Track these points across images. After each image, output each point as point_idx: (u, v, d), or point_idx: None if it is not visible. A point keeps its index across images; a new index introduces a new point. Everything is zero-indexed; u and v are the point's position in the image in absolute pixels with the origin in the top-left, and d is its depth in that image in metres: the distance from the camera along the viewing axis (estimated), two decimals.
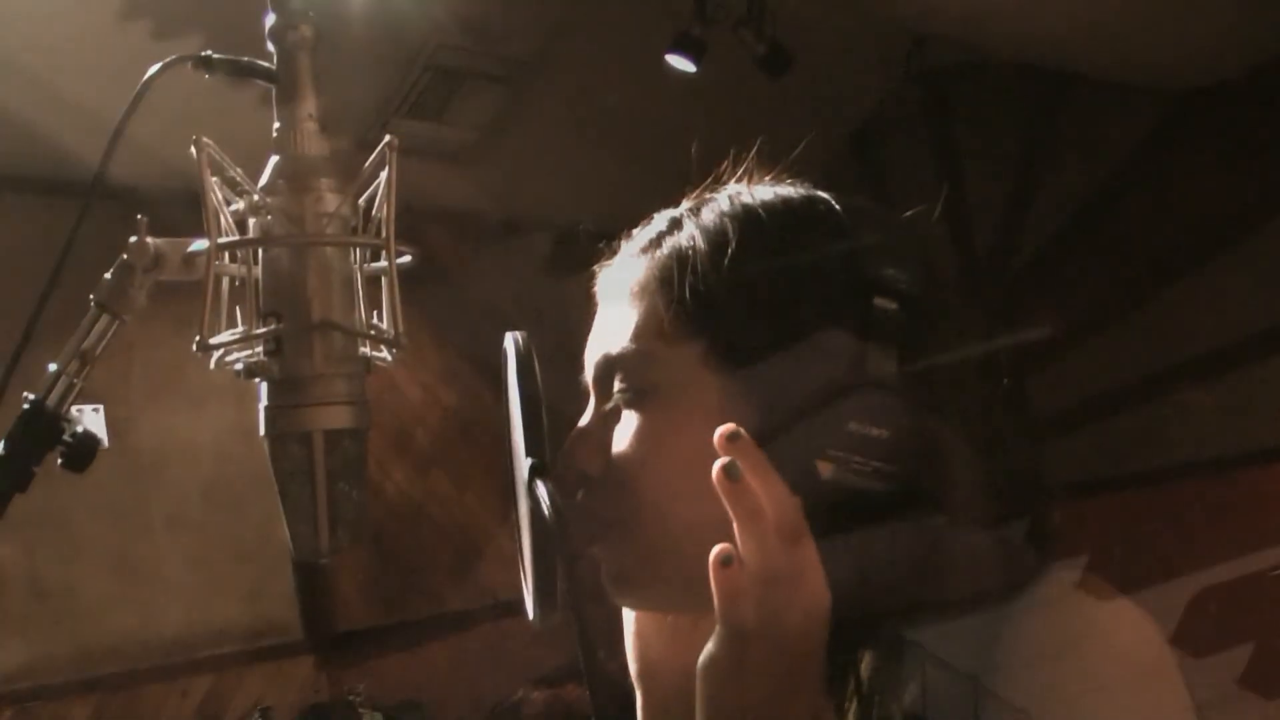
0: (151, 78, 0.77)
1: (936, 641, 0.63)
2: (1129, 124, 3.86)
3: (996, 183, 4.14)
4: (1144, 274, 3.83)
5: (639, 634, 0.76)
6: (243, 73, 0.77)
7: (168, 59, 0.77)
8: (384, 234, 0.74)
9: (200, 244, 0.77)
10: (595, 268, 0.76)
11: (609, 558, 0.70)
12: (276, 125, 0.75)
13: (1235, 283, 3.63)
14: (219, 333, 0.75)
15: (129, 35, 2.61)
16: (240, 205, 0.75)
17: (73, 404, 0.79)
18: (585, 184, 3.73)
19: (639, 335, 0.69)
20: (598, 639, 0.58)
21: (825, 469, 0.60)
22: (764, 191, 0.71)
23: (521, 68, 3.38)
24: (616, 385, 0.69)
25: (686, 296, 0.67)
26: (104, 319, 0.79)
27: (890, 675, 0.64)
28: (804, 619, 0.57)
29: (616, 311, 0.71)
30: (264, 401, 0.73)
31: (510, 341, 0.67)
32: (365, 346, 0.75)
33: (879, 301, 0.63)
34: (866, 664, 0.65)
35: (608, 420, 0.70)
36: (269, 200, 0.73)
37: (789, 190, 0.71)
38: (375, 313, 0.77)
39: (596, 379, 0.72)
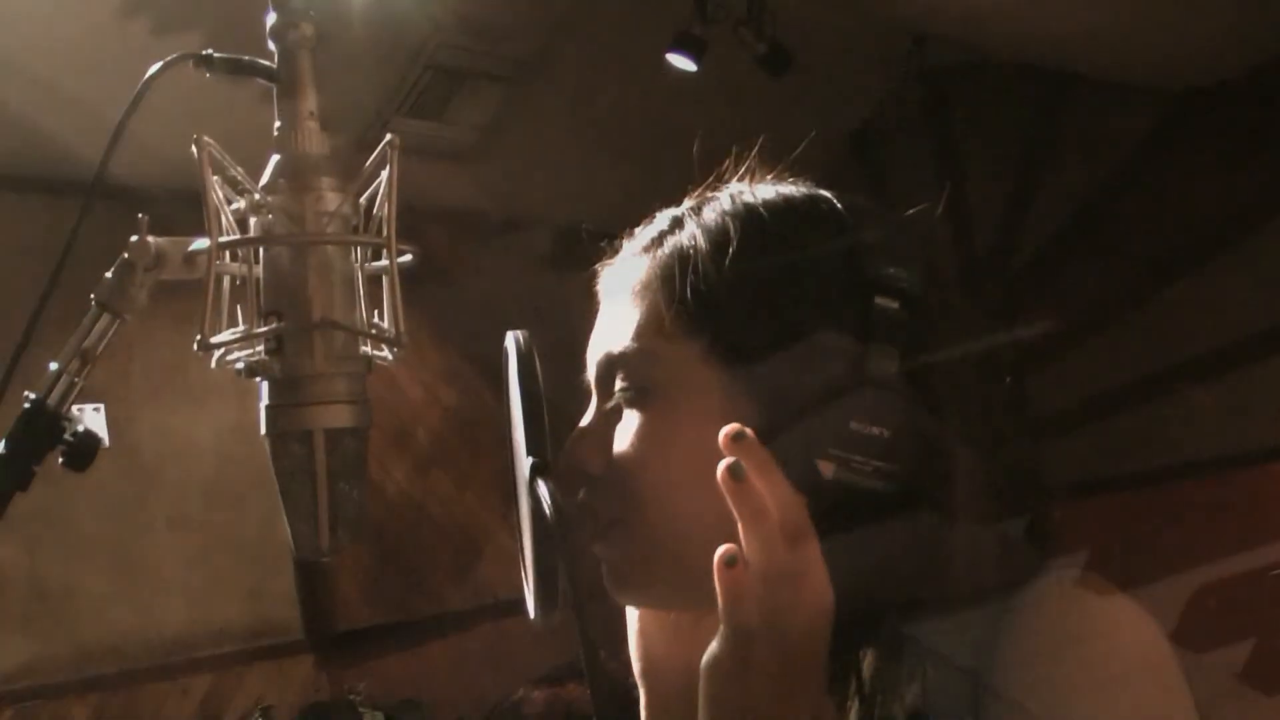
0: (152, 77, 0.77)
1: (937, 639, 0.63)
2: (1129, 124, 3.86)
3: (996, 183, 4.14)
4: (1144, 274, 3.83)
5: (642, 632, 0.76)
6: (243, 71, 0.77)
7: (168, 58, 0.77)
8: (385, 233, 0.74)
9: (201, 243, 0.77)
10: (597, 266, 0.76)
11: (610, 556, 0.70)
12: (277, 124, 0.75)
13: (1235, 283, 3.63)
14: (220, 332, 0.75)
15: (129, 33, 2.61)
16: (241, 204, 0.75)
17: (73, 403, 0.78)
18: (585, 183, 3.73)
19: (640, 334, 0.69)
20: (599, 638, 0.58)
21: (826, 468, 0.60)
22: (766, 190, 0.71)
23: (522, 67, 3.38)
24: (618, 384, 0.70)
25: (688, 295, 0.67)
26: (105, 318, 0.78)
27: (891, 674, 0.64)
28: (808, 619, 0.57)
29: (618, 310, 0.71)
30: (265, 400, 0.73)
31: (511, 340, 0.67)
32: (366, 345, 0.75)
33: (880, 301, 0.64)
34: (868, 663, 0.65)
35: (609, 419, 0.70)
36: (270, 199, 0.73)
37: (791, 189, 0.72)
38: (376, 312, 0.77)
39: (598, 378, 0.72)
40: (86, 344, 0.78)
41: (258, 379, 0.73)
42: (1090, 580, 0.64)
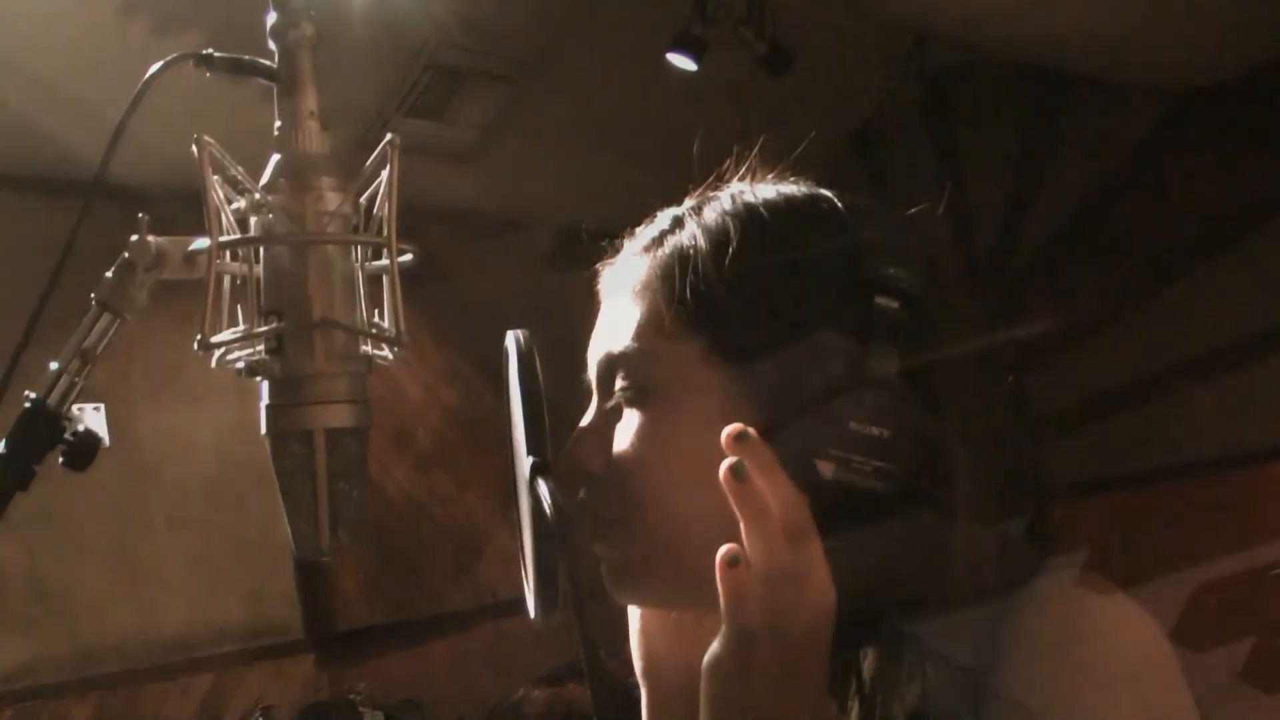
0: (152, 77, 0.77)
1: (937, 639, 0.63)
2: (1129, 124, 3.86)
3: (996, 183, 4.14)
4: (1144, 274, 3.83)
5: (643, 631, 0.76)
6: (244, 71, 0.77)
7: (169, 57, 0.77)
8: (385, 232, 0.74)
9: (201, 242, 0.77)
10: (599, 266, 0.76)
11: (610, 556, 0.70)
12: (277, 124, 0.75)
13: (1235, 283, 3.63)
14: (220, 331, 0.75)
15: (130, 33, 2.61)
16: (241, 203, 0.75)
17: (74, 403, 0.78)
18: (586, 183, 3.73)
19: (641, 333, 0.69)
20: (599, 638, 0.58)
21: (826, 468, 0.60)
22: (766, 190, 0.71)
23: (522, 67, 3.38)
24: (618, 383, 0.70)
25: (688, 295, 0.67)
26: (105, 317, 0.78)
27: (892, 674, 0.64)
28: (810, 619, 0.57)
29: (619, 310, 0.71)
30: (265, 400, 0.73)
31: (511, 340, 0.67)
32: (366, 345, 0.75)
33: (880, 300, 0.64)
34: (868, 663, 0.65)
35: (610, 418, 0.70)
36: (270, 198, 0.73)
37: (792, 188, 0.72)
38: (376, 311, 0.77)
39: (599, 377, 0.72)
40: (87, 344, 0.78)
41: (258, 378, 0.73)
42: (1090, 580, 0.64)
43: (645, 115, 3.51)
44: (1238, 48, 3.27)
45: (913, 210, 0.72)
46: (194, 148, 0.72)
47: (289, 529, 0.73)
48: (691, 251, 0.68)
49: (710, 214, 0.70)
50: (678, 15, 3.18)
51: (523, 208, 3.93)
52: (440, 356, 3.86)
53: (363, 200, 0.76)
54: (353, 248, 0.76)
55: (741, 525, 0.58)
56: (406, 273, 0.75)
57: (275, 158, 0.75)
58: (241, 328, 0.74)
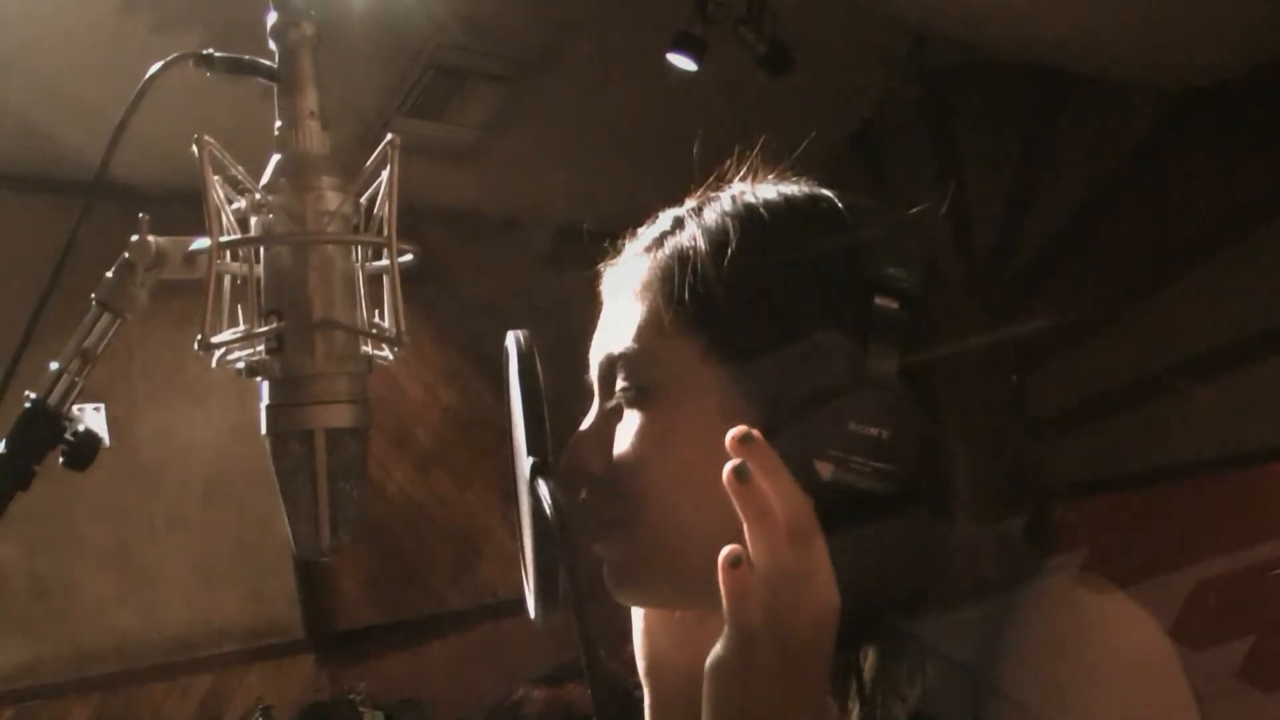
0: (153, 77, 0.77)
1: (938, 639, 0.63)
2: (1129, 124, 3.86)
3: (996, 183, 4.14)
4: (1144, 274, 3.83)
5: (646, 632, 0.76)
6: (244, 71, 0.77)
7: (169, 57, 0.77)
8: (386, 232, 0.74)
9: (202, 242, 0.76)
10: (600, 267, 0.76)
11: (611, 556, 0.70)
12: (278, 123, 0.75)
13: (1235, 283, 3.63)
14: (220, 331, 0.75)
15: (130, 32, 2.61)
16: (242, 203, 0.75)
17: (74, 403, 0.78)
18: (586, 183, 3.73)
19: (641, 334, 0.69)
20: (599, 638, 0.58)
21: (825, 469, 0.60)
22: (767, 190, 0.71)
23: (523, 67, 3.38)
24: (619, 384, 0.70)
25: (687, 296, 0.67)
26: (105, 317, 0.78)
27: (892, 674, 0.64)
28: (813, 621, 0.57)
29: (620, 310, 0.71)
30: (265, 400, 0.73)
31: (512, 340, 0.67)
32: (367, 345, 0.75)
33: (880, 301, 0.63)
34: (869, 663, 0.65)
35: (610, 419, 0.70)
36: (270, 198, 0.73)
37: (792, 189, 0.72)
38: (377, 311, 0.77)
39: (600, 377, 0.72)
40: (87, 344, 0.78)
41: (258, 379, 0.73)
42: (1090, 579, 0.64)
43: (645, 115, 3.51)
44: (1238, 48, 3.27)
45: (913, 210, 0.72)
46: (194, 148, 0.72)
47: (289, 529, 0.72)
48: (691, 252, 0.68)
49: (710, 215, 0.70)
50: (678, 15, 3.18)
51: (523, 208, 3.93)
52: (440, 356, 3.86)
53: (363, 200, 0.76)
54: (353, 248, 0.75)
55: (745, 527, 0.58)
56: (407, 273, 0.75)
57: (276, 157, 0.75)
58: (242, 328, 0.74)
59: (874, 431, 0.61)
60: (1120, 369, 3.86)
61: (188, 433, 3.25)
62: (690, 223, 0.71)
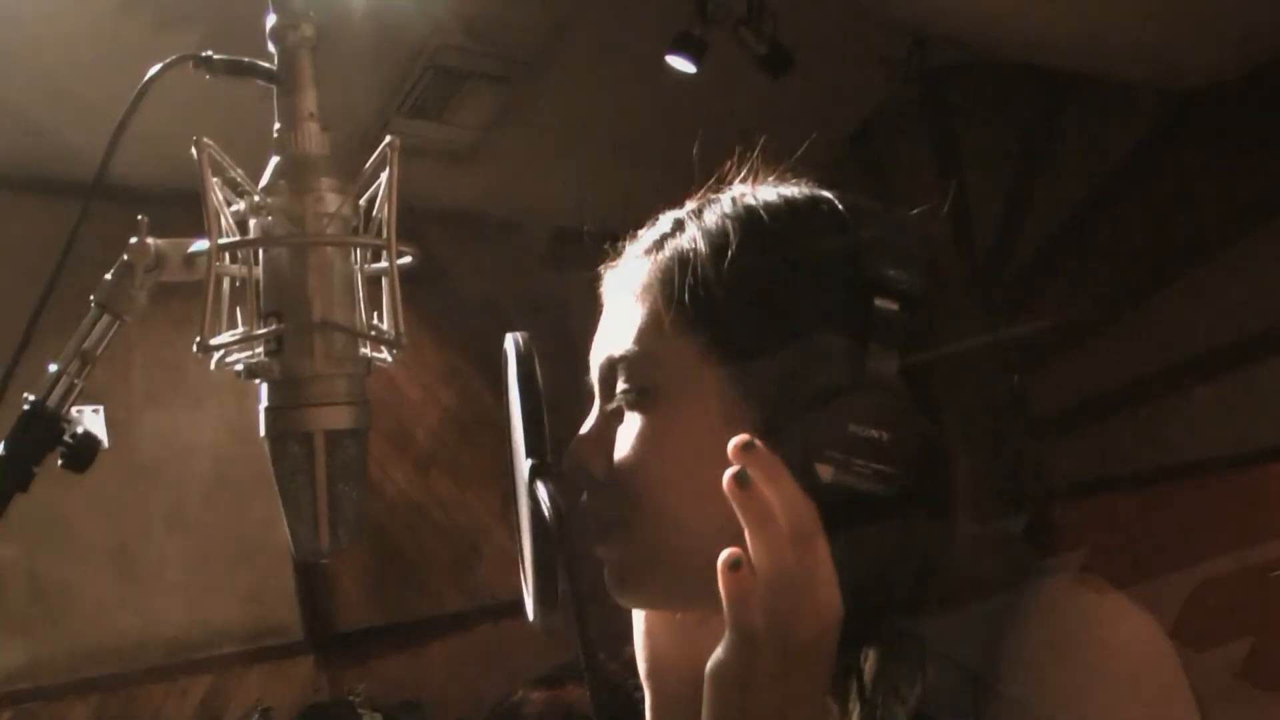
0: (152, 78, 0.77)
1: (938, 639, 0.63)
2: (1129, 124, 3.86)
3: (996, 183, 4.14)
4: (1144, 274, 3.83)
5: (648, 633, 0.76)
6: (243, 72, 0.77)
7: (168, 59, 0.77)
8: (385, 234, 0.73)
9: (201, 244, 0.76)
10: (601, 269, 0.76)
11: (612, 558, 0.70)
12: (277, 125, 0.75)
13: (1235, 283, 3.63)
14: (220, 333, 0.75)
15: (130, 31, 2.61)
16: (241, 205, 0.75)
17: (73, 404, 0.78)
18: (585, 184, 3.73)
19: (642, 336, 0.69)
20: (598, 639, 0.58)
21: (826, 471, 0.60)
22: (767, 192, 0.71)
23: (522, 68, 3.38)
24: (619, 386, 0.70)
25: (688, 298, 0.67)
26: (104, 319, 0.78)
27: (893, 675, 0.64)
28: (815, 625, 0.57)
29: (620, 312, 0.71)
30: (264, 402, 0.73)
31: (511, 342, 0.67)
32: (366, 347, 0.75)
33: (880, 302, 0.63)
34: (870, 664, 0.65)
35: (611, 421, 0.70)
36: (269, 200, 0.73)
37: (792, 190, 0.71)
38: (376, 313, 0.77)
39: (600, 379, 0.72)
40: (86, 345, 0.78)
41: (257, 380, 0.73)
42: (1091, 580, 0.64)
43: (645, 116, 3.51)
44: (1238, 48, 3.27)
45: (913, 211, 0.72)
46: (193, 150, 0.72)
47: (288, 530, 0.72)
48: (692, 254, 0.68)
49: (710, 216, 0.70)
50: (677, 16, 3.18)
51: (522, 209, 3.93)
52: (439, 358, 3.86)
53: (362, 202, 0.76)
54: (352, 249, 0.75)
55: (746, 532, 0.58)
56: (406, 274, 0.75)
57: (275, 159, 0.75)
58: (241, 330, 0.74)
59: (874, 433, 0.61)
60: (1120, 369, 3.86)
61: (187, 434, 3.25)
62: (690, 224, 0.70)
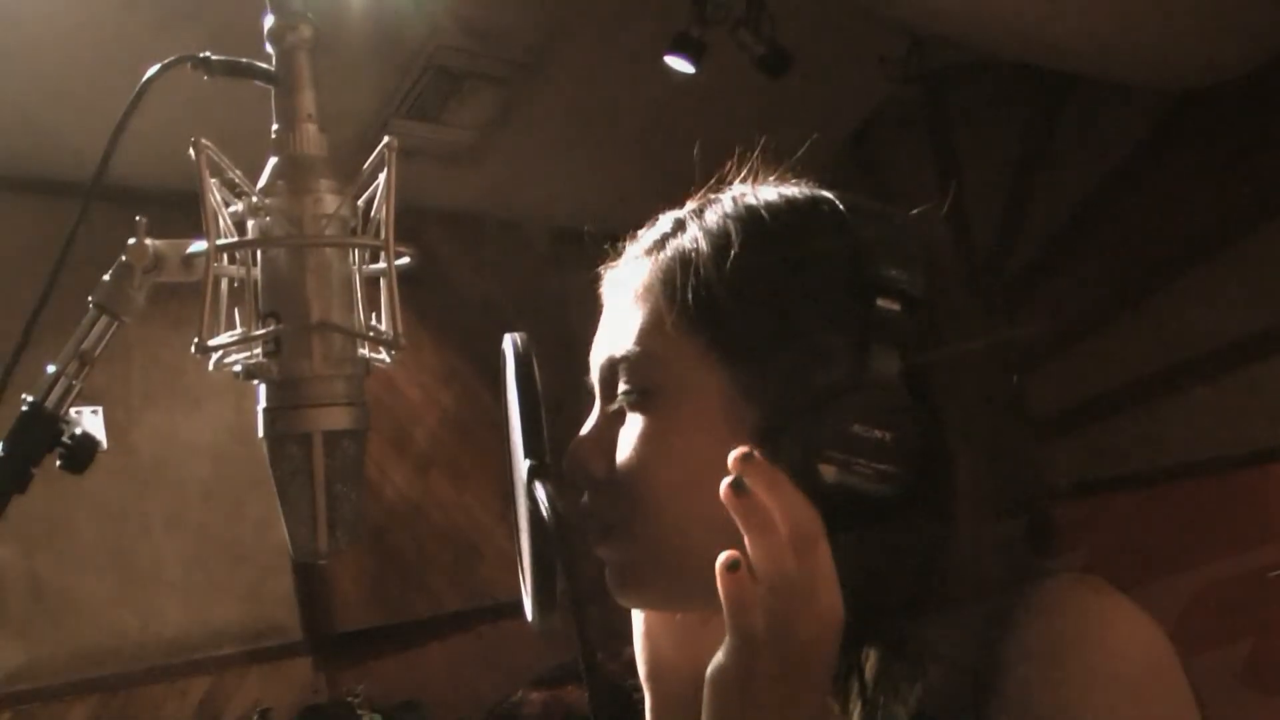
0: (151, 79, 0.77)
1: (939, 640, 0.63)
2: (1129, 124, 3.86)
3: (995, 183, 4.14)
4: (1144, 274, 3.83)
5: (648, 633, 0.76)
6: (242, 73, 0.77)
7: (167, 60, 0.77)
8: (383, 235, 0.73)
9: (199, 245, 0.76)
10: (601, 269, 0.76)
11: (613, 558, 0.70)
12: (275, 126, 0.75)
13: (1235, 283, 3.64)
14: (218, 334, 0.75)
15: (130, 31, 2.61)
16: (239, 206, 0.75)
17: (71, 405, 0.78)
18: (585, 184, 3.73)
19: (642, 337, 0.69)
20: (597, 640, 0.58)
21: (828, 471, 0.60)
22: (768, 192, 0.71)
23: (521, 68, 3.38)
24: (620, 386, 0.69)
25: (689, 298, 0.67)
26: (103, 320, 0.78)
27: (893, 676, 0.64)
28: (816, 629, 0.57)
29: (621, 313, 0.71)
30: (263, 403, 0.73)
31: (509, 343, 0.67)
32: (364, 348, 0.75)
33: (882, 302, 0.63)
34: (870, 664, 0.65)
35: (612, 422, 0.70)
36: (268, 201, 0.73)
37: (793, 190, 0.71)
38: (374, 314, 0.77)
39: (601, 380, 0.72)
40: (85, 346, 0.78)
41: (256, 381, 0.73)
42: (1091, 580, 0.64)
43: (644, 117, 3.51)
44: (1238, 49, 3.27)
45: (913, 211, 0.72)
46: (191, 151, 0.72)
47: (287, 531, 0.72)
48: (693, 254, 0.68)
49: (711, 217, 0.70)
50: (676, 16, 3.18)
51: (521, 209, 3.93)
52: (438, 358, 3.86)
53: (360, 202, 0.76)
54: (350, 250, 0.75)
55: (745, 538, 0.58)
56: (404, 275, 0.75)
57: (273, 160, 0.75)
58: (239, 330, 0.74)
59: (876, 433, 0.61)
60: (1120, 369, 3.86)
61: (185, 435, 3.25)
62: (691, 225, 0.70)
